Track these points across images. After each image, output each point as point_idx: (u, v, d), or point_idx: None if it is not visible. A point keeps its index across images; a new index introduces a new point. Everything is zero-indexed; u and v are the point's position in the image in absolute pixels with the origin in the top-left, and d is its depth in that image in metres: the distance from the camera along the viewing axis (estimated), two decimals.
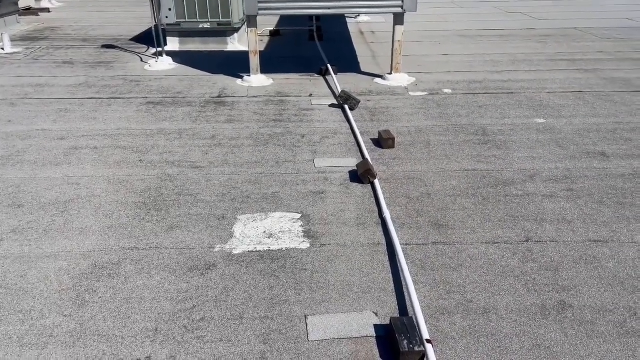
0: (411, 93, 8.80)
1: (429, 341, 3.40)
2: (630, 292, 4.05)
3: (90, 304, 3.94)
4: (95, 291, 4.08)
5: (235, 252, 4.55)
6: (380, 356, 3.47)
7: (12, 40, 12.33)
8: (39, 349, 3.53)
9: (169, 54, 10.91)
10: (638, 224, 4.95)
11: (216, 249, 4.59)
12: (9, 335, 3.64)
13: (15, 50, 11.90)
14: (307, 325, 3.73)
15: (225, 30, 11.74)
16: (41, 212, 5.20)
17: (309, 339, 3.61)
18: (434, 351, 3.40)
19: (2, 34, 11.93)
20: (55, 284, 4.15)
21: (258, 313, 3.85)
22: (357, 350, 3.52)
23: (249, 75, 9.44)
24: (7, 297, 4.01)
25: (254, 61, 9.38)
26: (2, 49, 11.80)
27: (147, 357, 3.46)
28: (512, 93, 8.73)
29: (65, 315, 3.82)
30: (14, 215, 5.14)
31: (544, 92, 8.78)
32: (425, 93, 8.78)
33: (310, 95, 8.78)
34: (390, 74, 9.52)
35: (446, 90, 8.90)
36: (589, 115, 7.69)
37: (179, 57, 11.11)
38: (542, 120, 7.51)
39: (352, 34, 13.86)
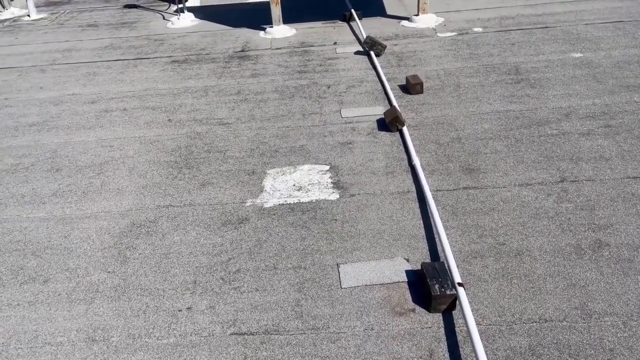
0: (439, 34, 8.48)
1: (460, 284, 3.42)
2: None
3: (132, 260, 4.11)
4: (135, 248, 4.25)
5: (266, 205, 4.62)
6: (413, 300, 3.52)
7: (37, 5, 12.39)
8: (86, 303, 3.74)
9: (190, 9, 10.78)
10: None
11: (248, 204, 4.67)
12: (57, 292, 3.86)
13: (41, 16, 11.98)
14: (339, 273, 3.81)
15: None
16: (78, 175, 5.37)
17: (342, 286, 3.69)
18: (466, 294, 3.42)
19: (26, 0, 12.00)
20: (97, 242, 4.34)
21: (291, 263, 3.94)
22: (390, 295, 3.58)
23: (271, 27, 9.26)
24: (53, 257, 4.23)
25: (276, 11, 9.17)
26: (28, 15, 11.90)
27: (188, 308, 3.62)
28: (546, 27, 8.30)
29: (109, 272, 4.01)
30: (53, 179, 5.34)
31: (581, 24, 8.30)
32: (455, 33, 8.45)
33: (335, 43, 8.58)
34: (417, 15, 9.16)
35: (476, 29, 8.53)
36: (629, 47, 7.26)
37: (201, 12, 10.96)
38: (578, 55, 7.15)
39: None
